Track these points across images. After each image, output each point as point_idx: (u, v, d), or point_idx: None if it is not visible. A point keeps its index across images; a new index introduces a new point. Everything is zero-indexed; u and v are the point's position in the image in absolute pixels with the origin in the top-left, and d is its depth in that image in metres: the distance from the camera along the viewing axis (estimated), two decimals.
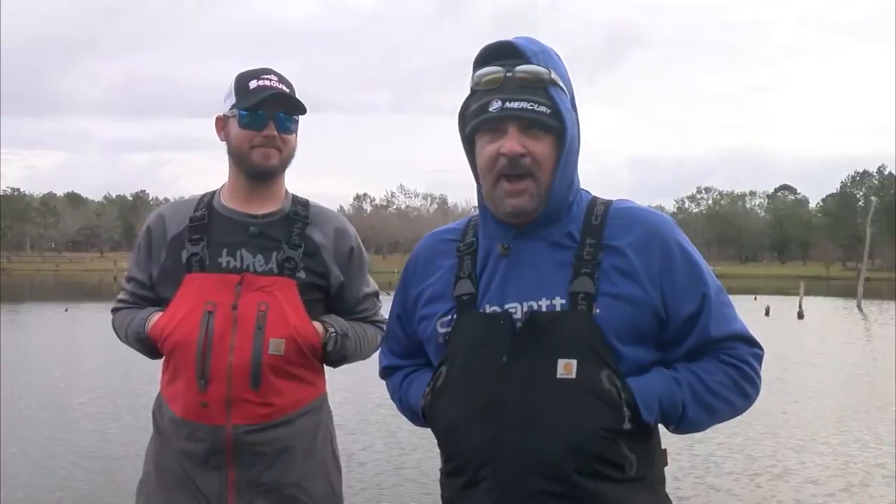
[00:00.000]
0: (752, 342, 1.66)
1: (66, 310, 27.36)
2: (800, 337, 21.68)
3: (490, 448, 1.57)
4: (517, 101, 1.57)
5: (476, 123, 1.62)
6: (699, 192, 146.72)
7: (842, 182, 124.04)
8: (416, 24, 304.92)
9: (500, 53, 1.62)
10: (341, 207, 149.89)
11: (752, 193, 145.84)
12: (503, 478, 1.56)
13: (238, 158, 2.24)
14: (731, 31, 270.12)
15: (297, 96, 2.25)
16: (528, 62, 1.59)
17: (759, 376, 1.66)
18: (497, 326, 1.61)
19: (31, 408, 10.23)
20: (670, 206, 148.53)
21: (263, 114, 2.18)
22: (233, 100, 2.22)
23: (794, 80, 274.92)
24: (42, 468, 7.35)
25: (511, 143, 1.57)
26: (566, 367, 1.55)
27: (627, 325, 1.58)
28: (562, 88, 1.63)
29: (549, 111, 1.59)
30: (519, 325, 1.60)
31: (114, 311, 2.42)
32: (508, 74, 1.59)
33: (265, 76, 2.22)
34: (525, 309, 1.61)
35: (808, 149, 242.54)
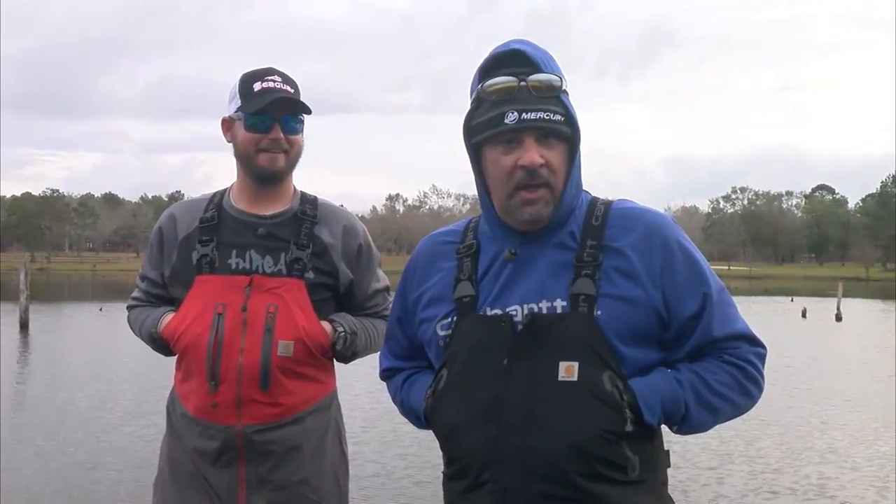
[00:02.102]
0: (754, 341, 1.65)
1: (101, 309, 27.75)
2: (837, 340, 21.31)
3: (492, 451, 1.56)
4: (534, 112, 1.56)
5: (490, 135, 1.60)
6: (734, 191, 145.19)
7: (882, 182, 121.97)
8: (448, 23, 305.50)
9: (510, 61, 1.59)
10: (374, 208, 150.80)
11: (789, 193, 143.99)
12: (505, 480, 1.55)
13: (244, 161, 2.26)
14: (766, 30, 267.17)
15: (302, 95, 2.26)
16: (539, 70, 1.58)
17: (762, 375, 1.65)
18: (498, 329, 1.61)
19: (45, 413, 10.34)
20: (705, 206, 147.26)
21: (269, 116, 2.19)
22: (238, 102, 2.23)
23: (831, 78, 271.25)
24: (47, 475, 7.38)
25: (531, 154, 1.56)
26: (567, 370, 1.54)
27: (629, 326, 1.57)
28: (567, 92, 1.62)
29: (563, 119, 1.58)
30: (520, 327, 1.60)
31: (129, 308, 2.47)
32: (522, 84, 1.57)
33: (269, 77, 2.22)
34: (525, 311, 1.60)
35: (845, 148, 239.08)
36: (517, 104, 1.56)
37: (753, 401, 1.66)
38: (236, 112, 2.23)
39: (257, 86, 2.20)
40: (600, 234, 1.62)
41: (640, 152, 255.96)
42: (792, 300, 40.46)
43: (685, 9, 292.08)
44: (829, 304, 32.86)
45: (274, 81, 2.21)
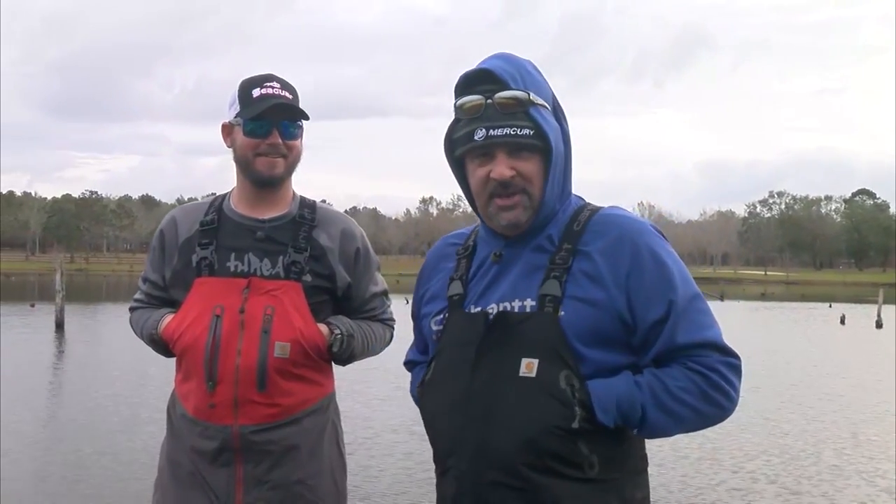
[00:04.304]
0: (725, 351, 1.65)
1: None
2: (878, 348, 20.77)
3: (455, 440, 1.66)
4: (500, 128, 1.64)
5: (465, 150, 1.70)
6: (771, 196, 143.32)
7: None
8: (482, 27, 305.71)
9: (479, 80, 1.67)
10: (408, 211, 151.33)
11: (828, 198, 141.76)
12: (463, 468, 1.64)
13: (243, 166, 2.30)
14: (804, 32, 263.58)
15: (301, 101, 2.29)
16: (507, 87, 1.64)
17: (731, 385, 1.64)
18: (475, 325, 1.69)
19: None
20: (741, 211, 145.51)
21: (267, 122, 2.23)
22: (237, 108, 2.27)
23: (873, 80, 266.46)
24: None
25: (500, 168, 1.64)
26: (528, 366, 1.60)
27: (590, 327, 1.61)
28: (542, 105, 1.68)
29: (532, 132, 1.64)
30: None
31: (131, 309, 2.51)
32: (489, 101, 1.64)
33: (268, 84, 2.26)
34: (501, 310, 1.68)
35: (887, 152, 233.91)
36: (485, 121, 1.64)
37: (722, 410, 1.65)
38: (235, 118, 2.27)
39: (256, 92, 2.24)
40: (577, 238, 1.68)
41: (676, 156, 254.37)
42: (830, 306, 39.81)
43: (721, 11, 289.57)
44: (869, 311, 32.23)
45: (272, 88, 2.25)
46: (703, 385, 1.60)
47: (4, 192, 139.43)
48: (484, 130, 1.64)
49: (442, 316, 1.78)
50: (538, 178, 1.66)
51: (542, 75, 1.72)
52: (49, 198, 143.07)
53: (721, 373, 1.61)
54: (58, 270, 22.99)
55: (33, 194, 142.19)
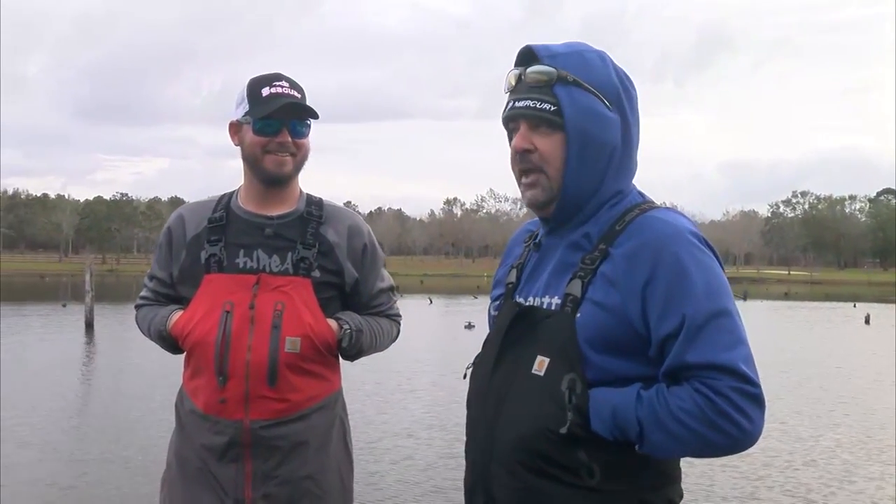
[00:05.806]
0: (741, 377, 1.49)
1: None
2: None
3: (473, 430, 1.71)
4: (522, 101, 1.66)
5: (503, 123, 1.73)
6: (794, 195, 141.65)
7: None
8: (504, 30, 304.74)
9: (523, 58, 1.70)
10: (432, 211, 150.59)
11: (852, 197, 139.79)
12: (475, 459, 1.69)
13: (252, 164, 2.31)
14: (827, 32, 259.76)
15: (309, 100, 2.32)
16: (540, 63, 1.65)
17: (742, 414, 1.48)
18: (508, 316, 1.70)
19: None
20: (764, 211, 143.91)
21: (277, 121, 2.25)
22: (246, 107, 2.28)
23: None
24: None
25: (518, 139, 1.66)
26: (540, 364, 1.59)
27: (600, 333, 1.56)
28: (581, 86, 1.62)
29: (552, 108, 1.63)
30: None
31: (137, 307, 2.53)
32: (522, 76, 1.68)
33: (277, 83, 2.28)
34: (534, 304, 1.68)
35: None
36: (515, 94, 1.68)
37: (731, 439, 1.49)
38: (244, 116, 2.28)
39: (265, 91, 2.25)
40: (614, 239, 1.61)
41: (698, 156, 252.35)
42: (855, 306, 39.14)
43: (743, 12, 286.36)
44: (894, 311, 31.68)
45: (282, 87, 2.27)
46: (708, 410, 1.47)
47: (39, 194, 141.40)
48: (512, 102, 1.67)
49: (499, 302, 1.80)
50: (556, 158, 1.63)
51: (609, 66, 1.67)
52: (81, 200, 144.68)
53: (730, 399, 1.47)
54: (87, 271, 23.32)
55: (66, 197, 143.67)
